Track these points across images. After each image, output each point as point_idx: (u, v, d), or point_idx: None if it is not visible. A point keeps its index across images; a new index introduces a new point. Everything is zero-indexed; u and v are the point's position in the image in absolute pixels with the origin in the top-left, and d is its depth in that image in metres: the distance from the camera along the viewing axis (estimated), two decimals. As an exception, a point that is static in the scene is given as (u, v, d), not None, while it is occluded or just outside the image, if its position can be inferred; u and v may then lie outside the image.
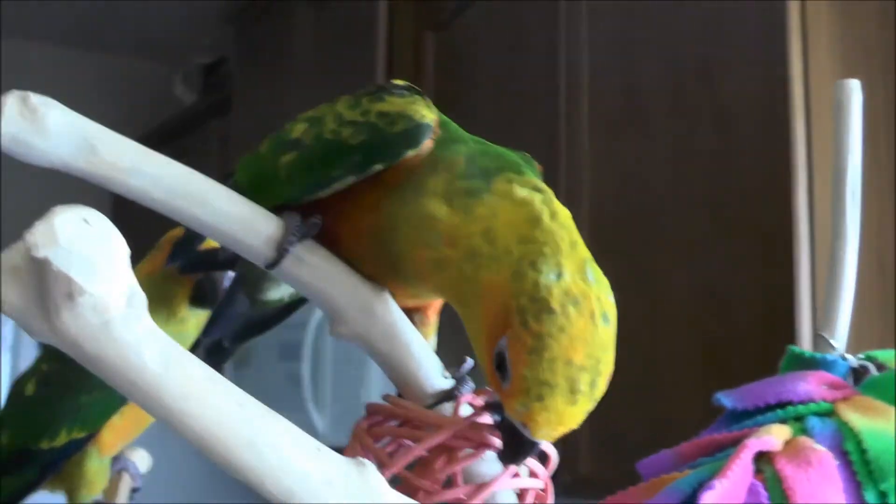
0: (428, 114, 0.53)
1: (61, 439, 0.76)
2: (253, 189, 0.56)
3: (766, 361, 1.40)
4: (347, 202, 0.53)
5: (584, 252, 0.48)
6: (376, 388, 2.30)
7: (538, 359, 0.45)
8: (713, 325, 1.68)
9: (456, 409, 0.53)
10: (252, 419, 0.42)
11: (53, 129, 0.44)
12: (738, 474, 0.60)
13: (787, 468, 0.62)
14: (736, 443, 0.66)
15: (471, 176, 0.51)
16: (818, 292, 1.53)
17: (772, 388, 0.69)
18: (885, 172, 1.66)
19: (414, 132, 0.52)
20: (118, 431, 0.79)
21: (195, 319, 0.92)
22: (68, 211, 0.39)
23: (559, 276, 0.46)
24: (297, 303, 0.67)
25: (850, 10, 1.67)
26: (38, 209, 0.40)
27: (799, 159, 1.58)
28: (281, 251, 0.51)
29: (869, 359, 0.71)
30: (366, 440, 0.51)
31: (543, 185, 0.51)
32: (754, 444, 0.62)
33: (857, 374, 0.71)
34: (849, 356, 0.71)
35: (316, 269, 0.52)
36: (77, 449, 0.77)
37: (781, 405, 0.67)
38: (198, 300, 0.92)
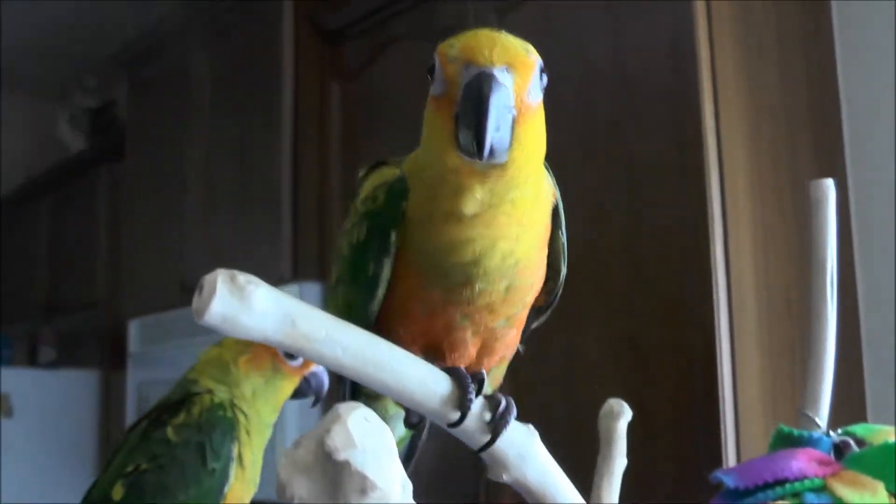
0: (390, 170, 0.59)
1: None
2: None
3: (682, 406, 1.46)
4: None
5: None
6: (291, 431, 2.32)
7: None
8: (632, 374, 1.75)
9: None
10: None
11: (259, 308, 0.45)
12: (765, 554, 0.65)
13: (795, 544, 0.67)
14: (745, 520, 0.71)
15: None
16: (737, 344, 1.61)
17: (768, 466, 0.74)
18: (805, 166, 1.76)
19: (395, 189, 0.57)
20: None
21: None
22: (354, 411, 0.42)
23: None
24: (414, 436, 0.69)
25: (753, 61, 1.76)
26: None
27: (714, 209, 1.65)
28: (463, 411, 0.54)
29: (847, 434, 0.77)
30: None
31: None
32: (772, 525, 0.67)
33: (838, 449, 0.76)
34: (831, 433, 0.77)
35: (482, 422, 0.55)
36: None
37: (779, 482, 0.72)
38: (298, 394, 0.95)
